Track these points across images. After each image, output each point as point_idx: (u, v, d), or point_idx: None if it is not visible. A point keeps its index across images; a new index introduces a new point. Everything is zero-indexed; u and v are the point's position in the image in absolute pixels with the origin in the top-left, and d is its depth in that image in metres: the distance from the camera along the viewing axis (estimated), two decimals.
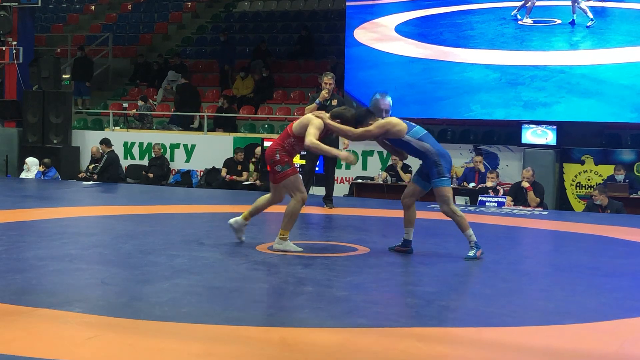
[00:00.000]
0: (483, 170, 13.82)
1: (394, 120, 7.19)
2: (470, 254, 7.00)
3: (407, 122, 7.22)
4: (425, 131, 7.18)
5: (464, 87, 14.57)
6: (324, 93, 10.30)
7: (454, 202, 7.74)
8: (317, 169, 11.39)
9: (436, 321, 4.82)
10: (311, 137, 6.93)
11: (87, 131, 17.94)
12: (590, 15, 13.84)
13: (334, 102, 10.22)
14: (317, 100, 10.29)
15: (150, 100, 18.88)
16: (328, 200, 10.92)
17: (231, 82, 19.05)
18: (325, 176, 11.03)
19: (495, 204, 12.15)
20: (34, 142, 16.49)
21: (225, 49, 19.53)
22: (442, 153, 7.03)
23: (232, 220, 7.54)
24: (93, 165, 15.98)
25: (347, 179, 14.84)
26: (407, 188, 7.36)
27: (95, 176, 15.51)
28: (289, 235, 7.08)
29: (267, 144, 13.83)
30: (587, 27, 13.88)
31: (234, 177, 15.35)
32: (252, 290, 5.54)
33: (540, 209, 12.10)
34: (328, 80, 10.44)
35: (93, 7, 24.50)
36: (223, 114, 17.47)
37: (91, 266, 6.32)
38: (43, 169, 15.24)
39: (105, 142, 15.82)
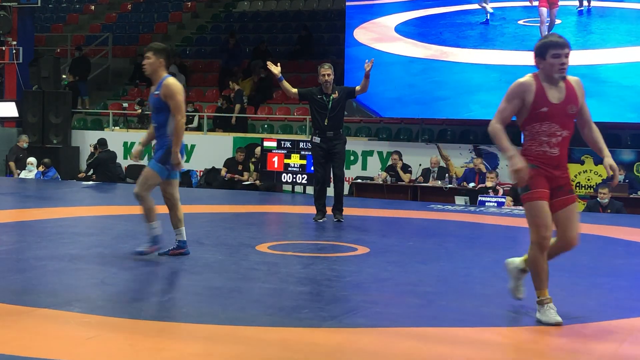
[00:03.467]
0: (484, 170, 13.82)
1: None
2: (141, 249, 6.55)
3: None
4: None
5: (463, 87, 14.57)
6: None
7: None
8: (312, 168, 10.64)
9: (436, 321, 4.82)
10: (495, 121, 4.87)
11: (87, 131, 17.94)
12: (488, 16, 14.47)
13: (335, 95, 9.26)
14: (281, 77, 9.12)
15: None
16: (338, 211, 9.40)
17: (234, 83, 19.01)
18: (334, 180, 9.48)
19: (495, 204, 12.16)
20: (34, 142, 16.49)
21: (233, 52, 19.53)
22: (180, 148, 6.51)
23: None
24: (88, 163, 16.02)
25: (347, 179, 14.84)
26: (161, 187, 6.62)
27: (94, 176, 15.50)
28: (547, 296, 4.87)
29: (267, 144, 13.83)
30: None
31: (236, 175, 15.33)
32: (252, 290, 5.53)
33: None
34: (325, 71, 9.26)
35: (93, 7, 24.50)
36: (223, 114, 17.47)
37: (91, 266, 6.31)
38: (43, 169, 15.24)
39: (99, 142, 15.80)
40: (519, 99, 4.79)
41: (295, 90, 9.38)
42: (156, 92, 6.50)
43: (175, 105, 6.42)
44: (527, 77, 4.82)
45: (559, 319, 4.75)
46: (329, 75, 9.22)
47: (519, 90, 4.79)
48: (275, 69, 9.16)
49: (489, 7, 14.58)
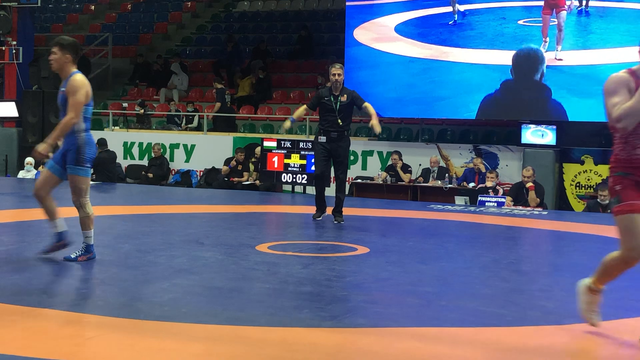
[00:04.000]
0: (484, 170, 13.82)
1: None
2: (72, 255, 6.36)
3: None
4: (92, 110, 6.44)
5: (463, 87, 14.57)
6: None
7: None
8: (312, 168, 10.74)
9: (436, 321, 4.81)
10: (617, 110, 4.21)
11: None
12: (456, 17, 14.75)
13: (344, 98, 9.26)
14: (291, 118, 9.53)
15: (152, 102, 18.90)
16: (338, 213, 9.34)
17: (216, 82, 19.01)
18: (336, 184, 9.49)
19: (495, 204, 12.16)
20: (34, 142, 16.47)
21: (233, 53, 19.51)
22: (89, 141, 6.36)
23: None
24: None
25: (347, 179, 14.85)
26: (40, 177, 6.51)
27: (94, 176, 15.50)
28: (600, 288, 4.72)
29: (267, 144, 13.83)
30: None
31: (234, 178, 15.33)
32: (252, 290, 5.53)
33: (540, 209, 12.11)
34: (336, 70, 9.22)
35: (93, 7, 24.51)
36: (223, 114, 17.47)
37: (91, 266, 6.31)
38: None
39: (99, 142, 15.79)
40: (625, 88, 4.23)
41: (303, 107, 9.59)
42: (62, 89, 6.31)
43: (73, 102, 6.20)
44: (622, 73, 4.29)
45: (596, 321, 4.55)
46: (339, 75, 9.25)
47: (622, 81, 4.25)
48: (287, 126, 9.43)
49: (458, 8, 14.73)
